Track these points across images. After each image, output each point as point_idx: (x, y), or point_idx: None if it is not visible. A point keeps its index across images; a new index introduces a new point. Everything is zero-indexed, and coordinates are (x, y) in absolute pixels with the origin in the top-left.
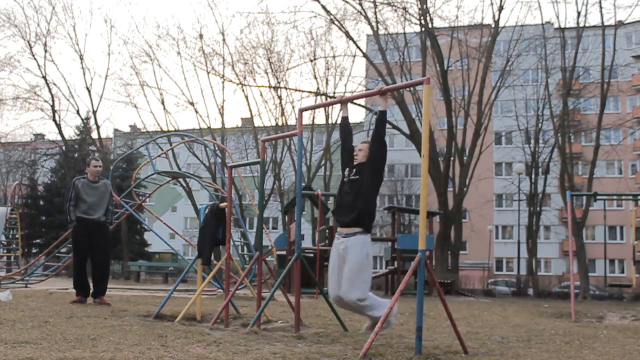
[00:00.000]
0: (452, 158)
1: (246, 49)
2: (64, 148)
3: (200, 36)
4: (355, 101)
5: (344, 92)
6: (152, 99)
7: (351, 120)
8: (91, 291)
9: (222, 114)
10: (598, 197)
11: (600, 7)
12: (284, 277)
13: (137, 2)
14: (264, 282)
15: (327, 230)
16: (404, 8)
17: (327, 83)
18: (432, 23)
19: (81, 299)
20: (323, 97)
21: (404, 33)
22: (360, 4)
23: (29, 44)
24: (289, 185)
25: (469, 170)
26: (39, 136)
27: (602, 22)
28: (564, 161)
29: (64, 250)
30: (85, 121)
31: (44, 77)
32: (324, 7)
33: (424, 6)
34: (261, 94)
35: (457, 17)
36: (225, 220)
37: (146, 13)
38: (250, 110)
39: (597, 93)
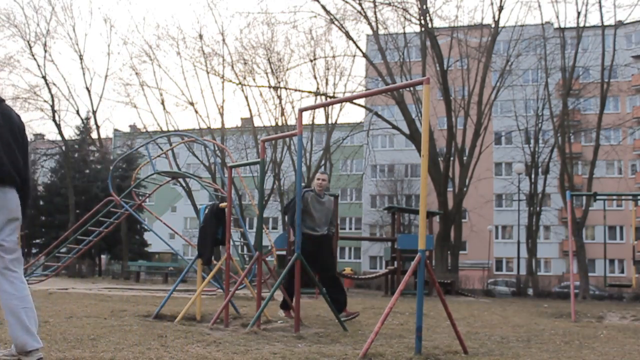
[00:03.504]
0: (452, 158)
1: (246, 49)
2: (63, 148)
3: (200, 36)
4: (355, 101)
5: (344, 92)
6: (152, 99)
7: (351, 120)
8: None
9: (222, 114)
10: (598, 197)
11: (600, 7)
12: (283, 277)
13: (137, 2)
14: (263, 282)
15: None
16: (404, 8)
17: (327, 83)
18: (432, 23)
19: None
20: (323, 97)
21: (404, 33)
22: (360, 4)
23: (29, 44)
24: (288, 185)
25: (468, 170)
26: (39, 136)
27: (602, 22)
28: (563, 161)
29: (63, 250)
30: (85, 121)
31: (44, 77)
32: (323, 7)
33: (424, 6)
34: (261, 94)
35: (457, 17)
36: (225, 220)
37: (146, 13)
38: (250, 110)
39: (597, 93)
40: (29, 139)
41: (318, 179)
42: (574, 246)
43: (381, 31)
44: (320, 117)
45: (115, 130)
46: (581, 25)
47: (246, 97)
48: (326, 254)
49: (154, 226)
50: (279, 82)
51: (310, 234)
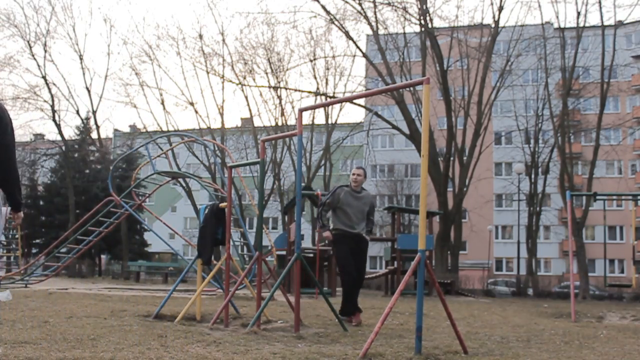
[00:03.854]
0: (452, 158)
1: (246, 49)
2: (63, 148)
3: (200, 36)
4: (355, 101)
5: (344, 92)
6: (152, 99)
7: (351, 120)
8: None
9: (221, 114)
10: (598, 197)
11: (600, 7)
12: (283, 277)
13: (136, 2)
14: (263, 282)
15: None
16: (404, 8)
17: (327, 83)
18: (432, 23)
19: (354, 319)
20: (323, 97)
21: (404, 33)
22: (360, 4)
23: (29, 44)
24: (288, 185)
25: (468, 170)
26: (39, 136)
27: (602, 22)
28: (563, 161)
29: (63, 250)
30: (85, 121)
31: (44, 77)
32: (323, 7)
33: (424, 6)
34: (261, 94)
35: (457, 17)
36: (225, 220)
37: (146, 13)
38: (250, 110)
39: (596, 93)
40: (29, 139)
41: (353, 174)
42: (574, 246)
43: (381, 31)
44: (320, 117)
45: (115, 130)
46: (581, 25)
47: (246, 97)
48: (361, 256)
49: (154, 226)
50: (279, 82)
51: (345, 231)
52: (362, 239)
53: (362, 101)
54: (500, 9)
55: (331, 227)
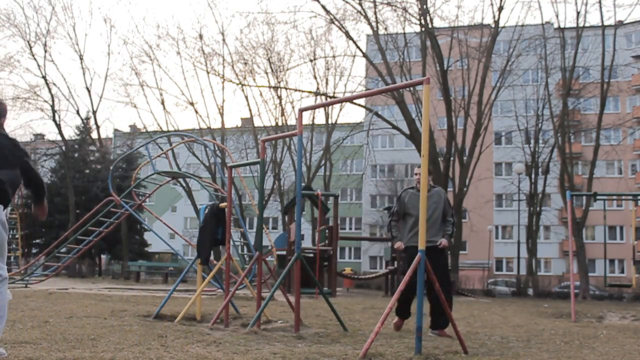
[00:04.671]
0: (452, 158)
1: (246, 49)
2: (63, 148)
3: (200, 36)
4: (355, 101)
5: (344, 92)
6: (152, 99)
7: (351, 120)
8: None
9: (222, 114)
10: (598, 197)
11: (600, 7)
12: (283, 277)
13: (137, 2)
14: (263, 282)
15: (326, 230)
16: (404, 8)
17: (327, 83)
18: (432, 23)
19: (401, 324)
20: (323, 97)
21: (404, 33)
22: (360, 4)
23: (29, 44)
24: (289, 185)
25: (468, 170)
26: (39, 136)
27: (602, 22)
28: (563, 161)
29: (63, 250)
30: (85, 121)
31: (44, 77)
32: (323, 7)
33: (424, 6)
34: (261, 94)
35: (457, 17)
36: (225, 220)
37: (146, 13)
38: (250, 110)
39: (597, 93)
40: (29, 139)
41: (416, 174)
42: (574, 246)
43: (381, 31)
44: (320, 117)
45: (115, 130)
46: (581, 25)
47: (246, 97)
48: (441, 264)
49: (154, 226)
50: (279, 82)
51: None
52: (437, 251)
53: (362, 101)
54: (500, 9)
55: (406, 238)
